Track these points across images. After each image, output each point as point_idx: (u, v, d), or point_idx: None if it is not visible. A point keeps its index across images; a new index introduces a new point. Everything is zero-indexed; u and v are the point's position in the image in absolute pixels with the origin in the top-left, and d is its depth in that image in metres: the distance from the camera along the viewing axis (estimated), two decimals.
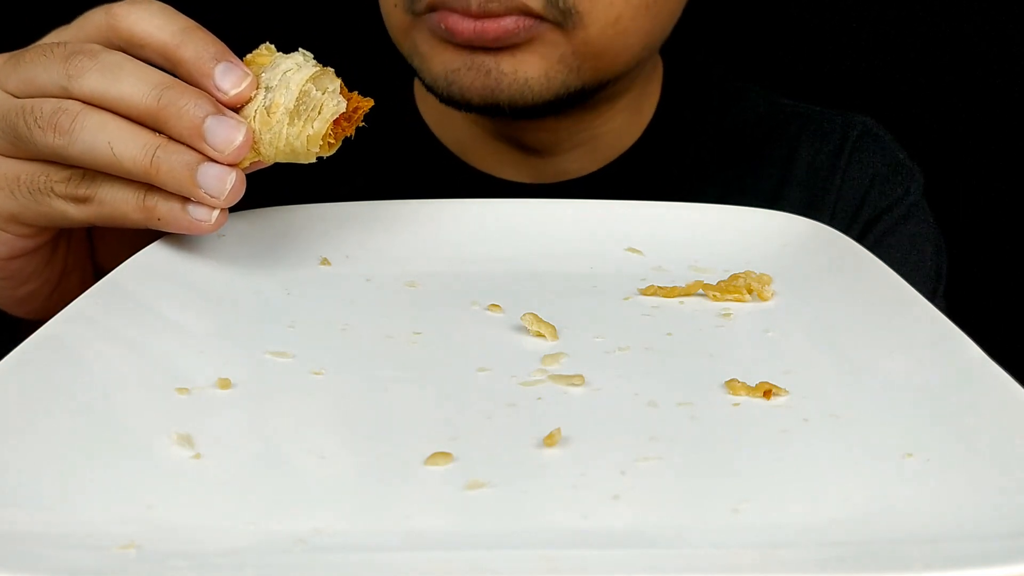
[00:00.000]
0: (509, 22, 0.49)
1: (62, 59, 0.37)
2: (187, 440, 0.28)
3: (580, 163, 0.60)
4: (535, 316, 0.36)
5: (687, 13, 0.57)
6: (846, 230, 0.48)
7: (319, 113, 0.37)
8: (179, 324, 0.36)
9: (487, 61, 0.51)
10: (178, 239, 0.41)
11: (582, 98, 0.54)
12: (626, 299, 0.39)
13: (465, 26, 0.49)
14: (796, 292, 0.39)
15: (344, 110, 0.38)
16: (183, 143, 0.37)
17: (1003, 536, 0.23)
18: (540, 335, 0.35)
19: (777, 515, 0.25)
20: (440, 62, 0.51)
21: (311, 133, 0.37)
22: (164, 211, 0.37)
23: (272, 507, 0.25)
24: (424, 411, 0.31)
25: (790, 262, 0.42)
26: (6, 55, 0.39)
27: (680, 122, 0.62)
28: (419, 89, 0.63)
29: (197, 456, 0.28)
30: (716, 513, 0.25)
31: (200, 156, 0.37)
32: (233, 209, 0.45)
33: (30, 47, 0.39)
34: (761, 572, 0.23)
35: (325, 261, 0.43)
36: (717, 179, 0.61)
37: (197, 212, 0.37)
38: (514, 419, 0.30)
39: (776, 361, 0.34)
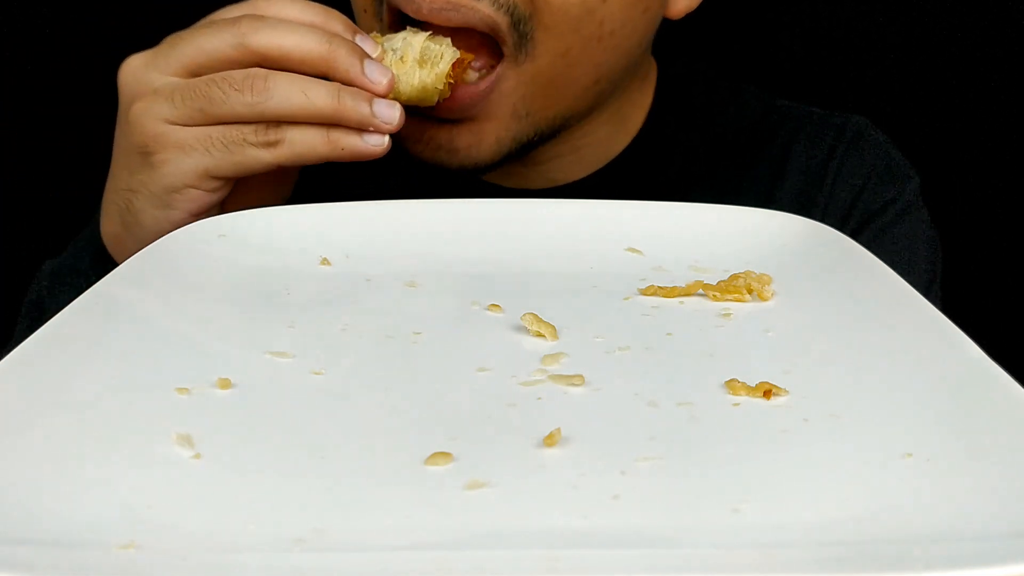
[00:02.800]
0: (485, 87, 0.50)
1: (230, 24, 0.44)
2: (187, 440, 0.28)
3: (566, 171, 0.59)
4: (535, 316, 0.36)
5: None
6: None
7: (441, 59, 0.48)
8: (179, 324, 0.36)
9: (439, 136, 0.52)
10: (177, 239, 0.41)
11: (540, 143, 0.54)
12: (626, 299, 0.39)
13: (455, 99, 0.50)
14: (796, 292, 0.39)
15: (459, 56, 0.48)
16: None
17: (1003, 536, 0.23)
18: (540, 335, 0.35)
19: (777, 515, 0.25)
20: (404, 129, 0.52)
21: (438, 71, 0.48)
22: (347, 142, 0.46)
23: (272, 507, 0.25)
24: (424, 411, 0.30)
25: (790, 262, 0.42)
26: (143, 54, 0.46)
27: (671, 126, 0.62)
28: None
29: (197, 456, 0.28)
30: (716, 513, 0.25)
31: (370, 93, 0.45)
32: (233, 209, 0.45)
33: (174, 35, 0.46)
34: (761, 572, 0.23)
35: (325, 261, 0.43)
36: (708, 182, 0.61)
37: (372, 139, 0.46)
38: (514, 419, 0.30)
39: (776, 361, 0.34)
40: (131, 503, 0.25)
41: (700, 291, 0.40)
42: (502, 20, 0.49)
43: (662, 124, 0.61)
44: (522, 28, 0.49)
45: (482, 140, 0.52)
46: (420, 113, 0.51)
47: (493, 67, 0.51)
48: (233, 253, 0.42)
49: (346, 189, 0.60)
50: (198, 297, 0.38)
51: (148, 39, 0.48)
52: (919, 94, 0.83)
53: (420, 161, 0.53)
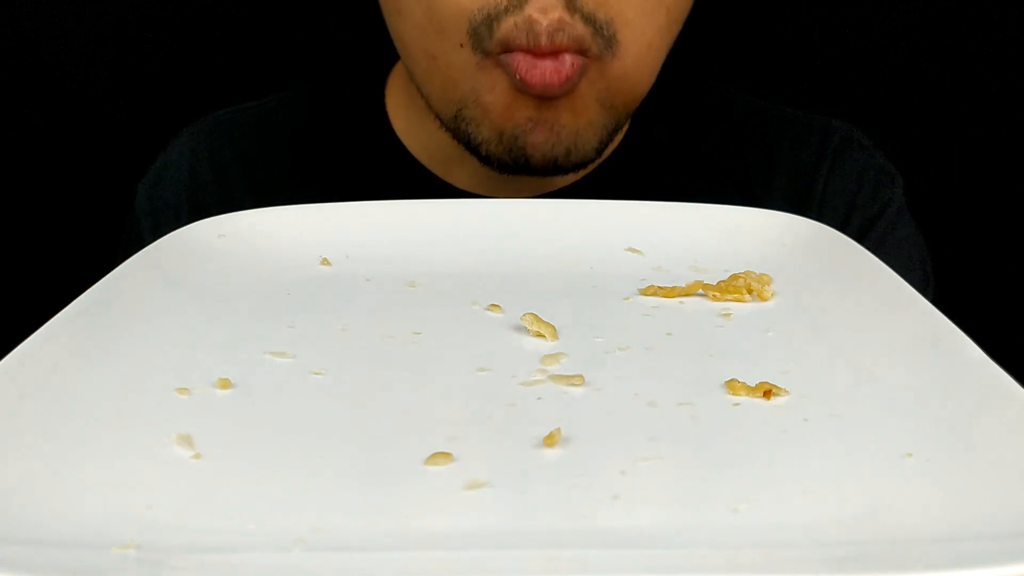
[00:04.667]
0: (567, 65, 0.49)
1: None
2: (187, 440, 0.28)
3: (564, 176, 0.59)
4: (535, 316, 0.36)
5: None
6: None
7: None
8: (179, 324, 0.36)
9: (549, 116, 0.51)
10: (177, 239, 0.41)
11: (614, 135, 0.54)
12: (626, 299, 0.39)
13: (536, 73, 0.48)
14: (796, 292, 0.39)
15: None
16: None
17: (1003, 536, 0.23)
18: (540, 335, 0.35)
19: (777, 515, 0.25)
20: (509, 115, 0.51)
21: None
22: None
23: (272, 507, 0.25)
24: (424, 411, 0.30)
25: (790, 262, 0.42)
26: None
27: (659, 128, 0.62)
28: (395, 107, 0.61)
29: (197, 456, 0.28)
30: (716, 513, 0.25)
31: None
32: (233, 209, 0.45)
33: None
34: (761, 572, 0.23)
35: (325, 261, 0.43)
36: (700, 183, 0.61)
37: None
38: (514, 419, 0.30)
39: (776, 361, 0.34)
40: (131, 503, 0.25)
41: (700, 291, 0.40)
42: (587, 32, 0.49)
43: (651, 123, 0.61)
44: (606, 33, 0.49)
45: (579, 116, 0.51)
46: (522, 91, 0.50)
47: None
48: (233, 253, 0.42)
49: (346, 189, 0.60)
50: (198, 297, 0.39)
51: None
52: (901, 94, 0.83)
53: (525, 160, 0.52)
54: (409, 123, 0.60)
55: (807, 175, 0.61)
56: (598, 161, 0.60)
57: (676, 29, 0.53)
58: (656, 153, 0.61)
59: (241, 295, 0.39)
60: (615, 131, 0.54)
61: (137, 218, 0.62)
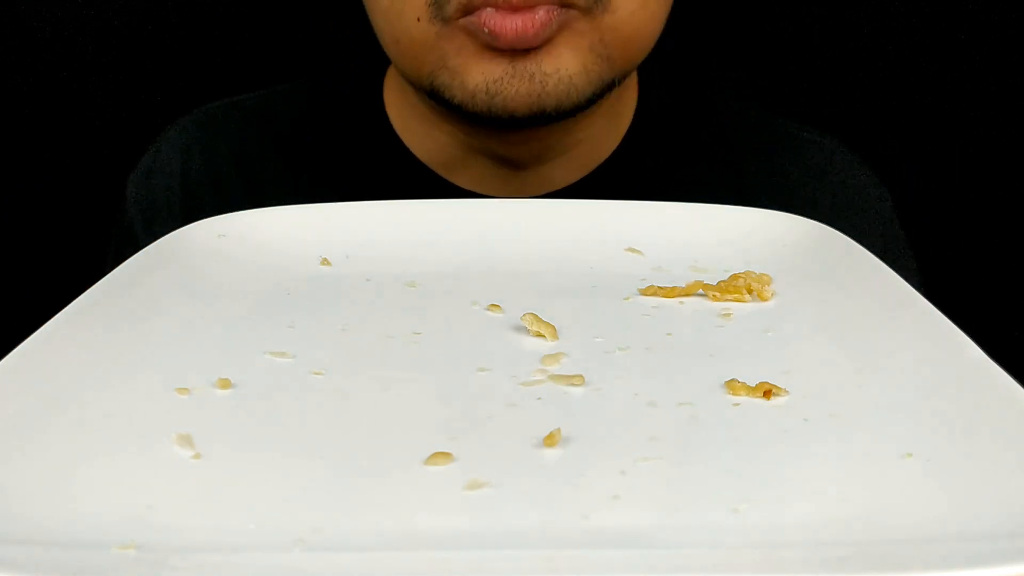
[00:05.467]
0: (542, 14, 0.47)
1: None
2: (187, 440, 0.28)
3: (562, 173, 0.59)
4: (535, 316, 0.36)
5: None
6: None
7: None
8: (179, 324, 0.36)
9: (529, 65, 0.49)
10: (177, 239, 0.41)
11: (609, 90, 0.52)
12: (626, 299, 0.39)
13: (508, 26, 0.47)
14: (796, 292, 0.39)
15: None
16: None
17: (1003, 536, 0.23)
18: (540, 335, 0.35)
19: (777, 515, 0.25)
20: (480, 72, 0.49)
21: None
22: None
23: (272, 507, 0.25)
24: (424, 411, 0.30)
25: (790, 262, 0.42)
26: None
27: (658, 129, 0.61)
28: (392, 106, 0.61)
29: (197, 456, 0.28)
30: (716, 513, 0.25)
31: None
32: (233, 209, 0.45)
33: None
34: (761, 572, 0.23)
35: (325, 261, 0.43)
36: (696, 186, 0.61)
37: None
38: (514, 419, 0.30)
39: (776, 361, 0.34)
40: (131, 503, 0.25)
41: (700, 291, 0.40)
42: None
43: (650, 123, 0.61)
44: None
45: (568, 65, 0.49)
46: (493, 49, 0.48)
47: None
48: (233, 253, 0.42)
49: (344, 187, 0.60)
50: (198, 297, 0.39)
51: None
52: (897, 98, 0.83)
53: (510, 114, 0.50)
54: (408, 122, 0.60)
55: (801, 187, 0.62)
56: (599, 160, 0.60)
57: None
58: (655, 155, 0.61)
59: (241, 295, 0.39)
60: (613, 84, 0.52)
61: (129, 212, 0.62)
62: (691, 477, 0.27)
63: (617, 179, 0.60)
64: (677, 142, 0.62)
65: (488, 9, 0.47)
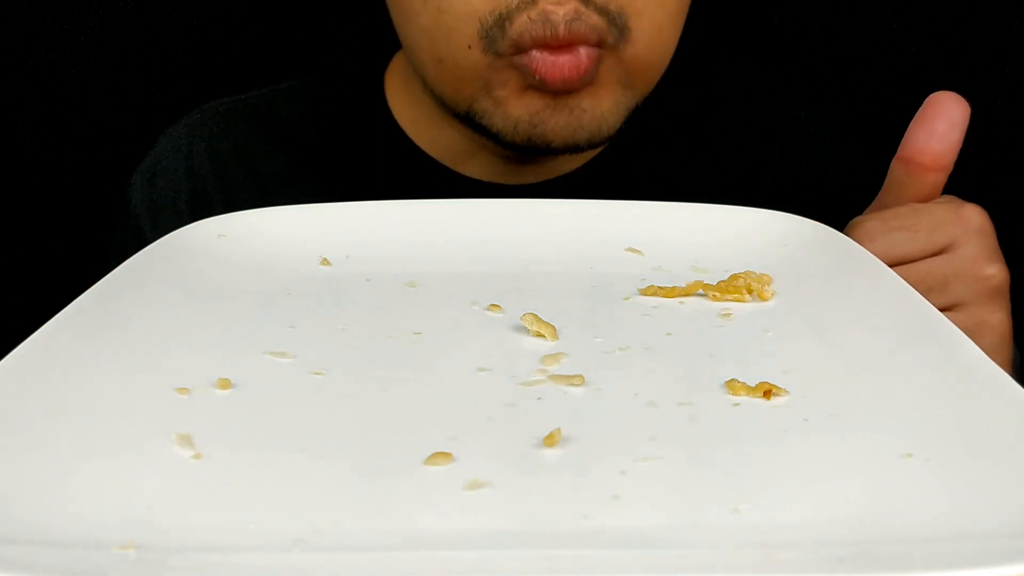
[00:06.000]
0: (584, 58, 0.49)
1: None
2: (187, 440, 0.28)
3: (571, 160, 0.59)
4: (535, 316, 0.36)
5: None
6: None
7: None
8: (179, 324, 0.36)
9: (569, 101, 0.51)
10: (177, 239, 0.41)
11: (632, 115, 0.55)
12: (626, 299, 0.39)
13: (555, 73, 0.49)
14: (796, 292, 0.39)
15: None
16: None
17: (1003, 536, 0.23)
18: (540, 335, 0.35)
19: (777, 515, 0.25)
20: (523, 105, 0.51)
21: None
22: None
23: (272, 507, 0.25)
24: (424, 411, 0.30)
25: (790, 262, 0.42)
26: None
27: (662, 114, 0.62)
28: (396, 100, 0.61)
29: (197, 456, 0.28)
30: (716, 513, 0.25)
31: None
32: (233, 209, 0.45)
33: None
34: (761, 572, 0.23)
35: (325, 261, 0.43)
36: (697, 171, 0.61)
37: None
38: (514, 419, 0.30)
39: (776, 361, 0.34)
40: (131, 503, 0.25)
41: (700, 291, 0.40)
42: (602, 22, 0.49)
43: (651, 112, 0.62)
44: (619, 23, 0.49)
45: (602, 102, 0.51)
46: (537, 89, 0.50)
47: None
48: (233, 253, 0.42)
49: (350, 183, 0.60)
50: (198, 297, 0.38)
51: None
52: (896, 92, 0.83)
53: (546, 144, 0.52)
54: (413, 116, 0.60)
55: (799, 173, 0.63)
56: (599, 149, 0.60)
57: (686, 9, 0.54)
58: (654, 142, 0.62)
59: (241, 295, 0.39)
60: (635, 109, 0.54)
61: (135, 211, 0.62)
62: (691, 477, 0.27)
63: (618, 162, 0.60)
64: (679, 127, 0.62)
65: (536, 52, 0.49)
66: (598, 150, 0.60)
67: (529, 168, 0.59)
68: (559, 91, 0.50)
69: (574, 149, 0.53)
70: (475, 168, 0.60)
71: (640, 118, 0.61)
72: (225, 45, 0.81)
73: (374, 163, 0.61)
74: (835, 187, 0.63)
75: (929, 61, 0.82)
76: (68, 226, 0.82)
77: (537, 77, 0.49)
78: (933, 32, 0.82)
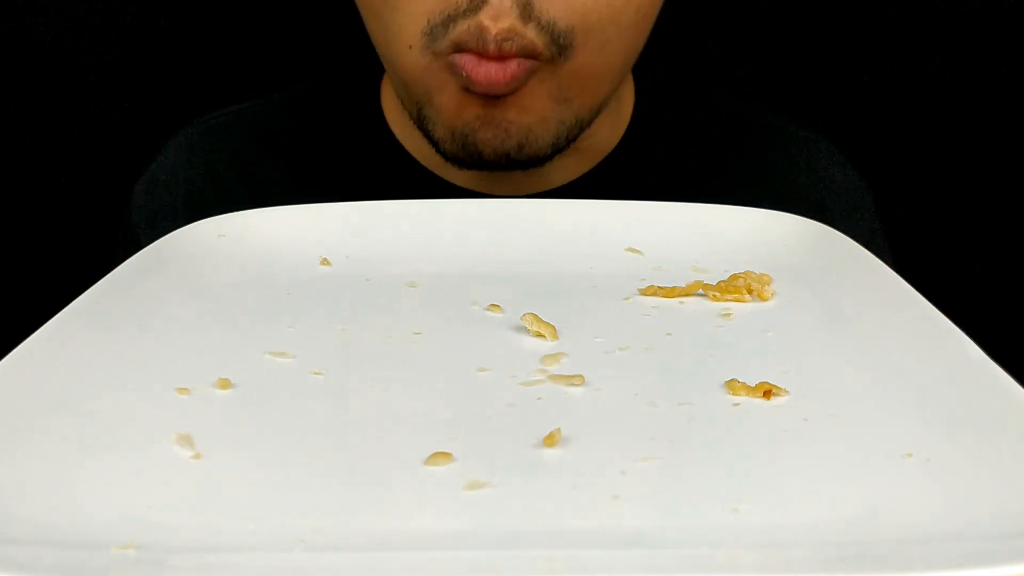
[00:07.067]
0: (514, 66, 0.49)
1: None
2: (187, 440, 0.28)
3: (560, 173, 0.59)
4: (535, 316, 0.36)
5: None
6: None
7: None
8: (179, 324, 0.36)
9: (497, 113, 0.51)
10: (177, 239, 0.41)
11: (581, 130, 0.54)
12: (626, 299, 0.39)
13: (481, 72, 0.49)
14: (796, 292, 0.39)
15: None
16: None
17: (1003, 536, 0.23)
18: (540, 335, 0.35)
19: (777, 515, 0.25)
20: (458, 115, 0.51)
21: None
22: None
23: (272, 507, 0.25)
24: (424, 411, 0.30)
25: (790, 262, 0.42)
26: None
27: (657, 124, 0.62)
28: (390, 108, 0.61)
29: (197, 456, 0.28)
30: (716, 513, 0.25)
31: None
32: (233, 209, 0.45)
33: None
34: (761, 572, 0.23)
35: (325, 261, 0.43)
36: (692, 184, 0.61)
37: None
38: (514, 419, 0.30)
39: (776, 361, 0.34)
40: (131, 503, 0.25)
41: (700, 291, 0.40)
42: (540, 41, 0.49)
43: (649, 119, 0.62)
44: (562, 42, 0.49)
45: (527, 113, 0.51)
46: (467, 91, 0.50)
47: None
48: (233, 253, 0.42)
49: (345, 190, 0.60)
50: (198, 297, 0.39)
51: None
52: (890, 100, 0.83)
53: (478, 155, 0.52)
54: (406, 124, 0.60)
55: (796, 187, 0.63)
56: (597, 159, 0.60)
57: (646, 25, 0.53)
58: (653, 153, 0.61)
59: (241, 295, 0.39)
60: (577, 125, 0.54)
61: (134, 223, 0.63)
62: (691, 477, 0.27)
63: (615, 177, 0.60)
64: (674, 140, 0.62)
65: (468, 55, 0.49)
66: (592, 166, 0.60)
67: (521, 180, 0.59)
68: (485, 93, 0.50)
69: (506, 161, 0.53)
70: (467, 177, 0.59)
71: (634, 131, 0.61)
72: (225, 45, 0.81)
73: (368, 171, 0.61)
74: (837, 193, 0.63)
75: (925, 67, 0.82)
76: (68, 226, 0.82)
77: (464, 75, 0.49)
78: (933, 32, 0.82)
